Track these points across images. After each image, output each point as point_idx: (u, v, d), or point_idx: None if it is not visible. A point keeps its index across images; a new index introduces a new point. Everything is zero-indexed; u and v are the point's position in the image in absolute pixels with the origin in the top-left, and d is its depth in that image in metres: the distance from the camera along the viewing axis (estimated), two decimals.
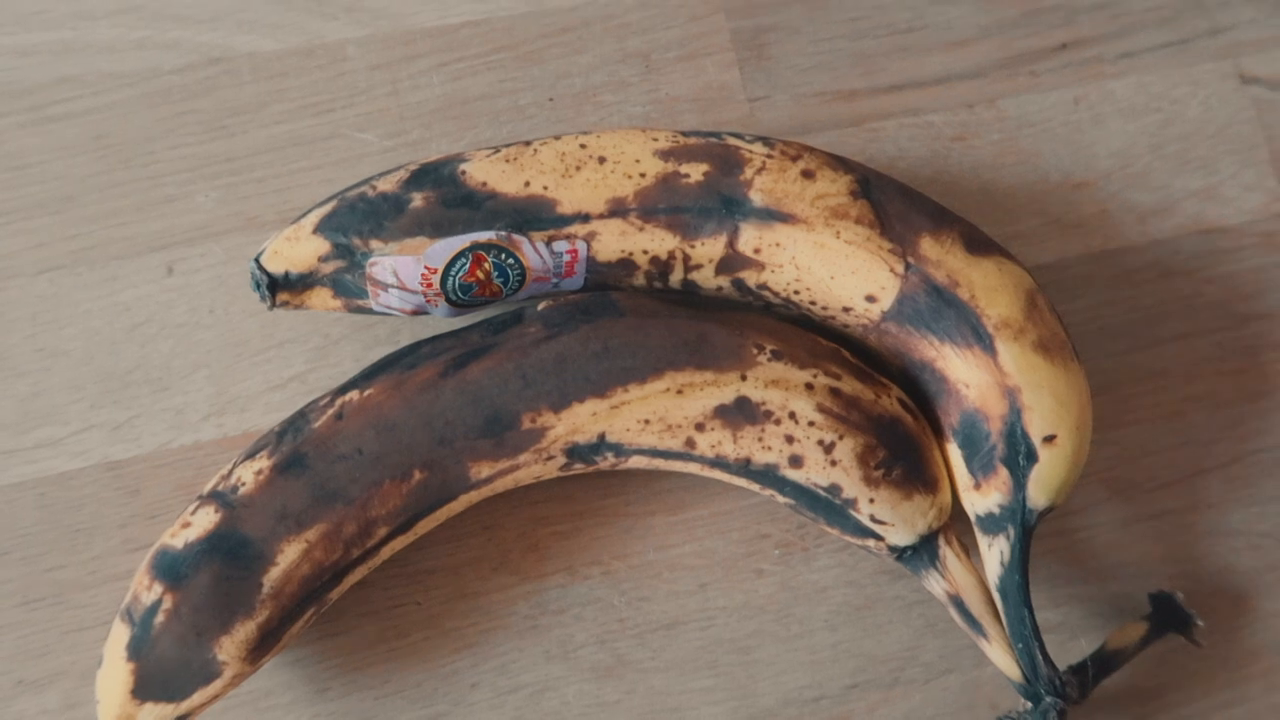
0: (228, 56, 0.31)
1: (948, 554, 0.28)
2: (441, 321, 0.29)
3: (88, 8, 0.31)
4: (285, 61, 0.31)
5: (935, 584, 0.28)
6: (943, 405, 0.28)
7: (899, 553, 0.28)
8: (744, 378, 0.27)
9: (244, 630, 0.24)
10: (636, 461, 0.27)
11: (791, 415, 0.27)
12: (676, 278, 0.28)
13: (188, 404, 0.29)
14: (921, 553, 0.28)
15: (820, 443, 0.27)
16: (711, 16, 0.33)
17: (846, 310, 0.28)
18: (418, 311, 0.27)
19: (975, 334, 0.27)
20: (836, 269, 0.27)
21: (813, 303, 0.28)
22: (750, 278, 0.28)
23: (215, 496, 0.25)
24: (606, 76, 0.32)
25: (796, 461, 0.27)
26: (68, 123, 0.30)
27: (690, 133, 0.28)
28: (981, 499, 0.28)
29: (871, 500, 0.27)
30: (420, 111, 0.31)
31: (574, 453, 0.26)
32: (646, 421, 0.26)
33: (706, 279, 0.28)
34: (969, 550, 0.28)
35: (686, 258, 0.28)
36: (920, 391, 0.29)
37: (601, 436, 0.26)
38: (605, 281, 0.28)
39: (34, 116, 0.30)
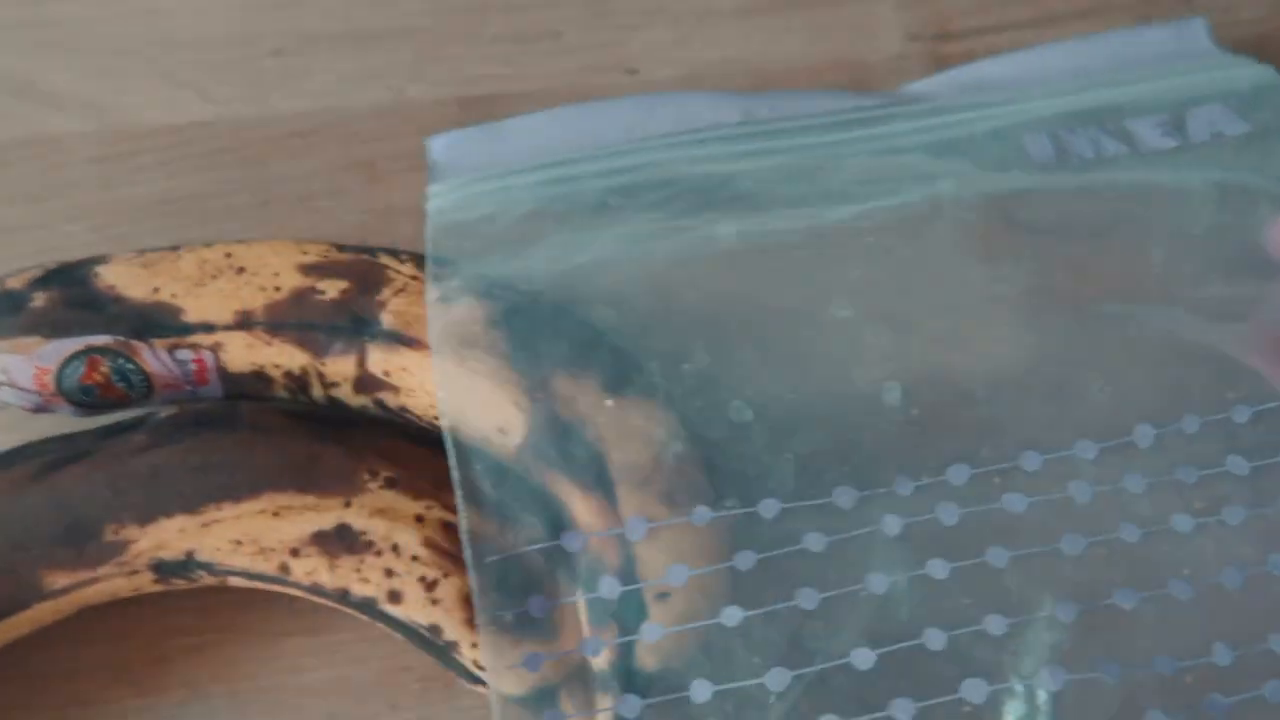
0: None
1: (568, 710, 0.26)
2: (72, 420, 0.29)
3: None
4: (5, 152, 0.32)
5: None
6: (571, 549, 0.27)
7: (519, 703, 0.26)
8: (348, 504, 0.26)
9: None
10: (237, 581, 0.26)
11: (394, 548, 0.26)
12: (318, 394, 0.28)
13: None
14: (542, 706, 0.26)
15: (422, 579, 0.25)
16: (443, 130, 0.33)
17: (486, 440, 0.27)
18: (40, 409, 0.27)
19: (597, 478, 0.26)
20: (465, 399, 0.27)
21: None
22: (390, 399, 0.27)
23: None
24: (327, 183, 0.32)
25: (396, 597, 0.25)
26: None
27: (347, 248, 0.28)
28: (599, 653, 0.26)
29: (474, 644, 0.26)
30: (131, 207, 0.32)
31: (161, 568, 0.25)
32: (239, 542, 0.25)
33: (349, 397, 0.28)
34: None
35: (321, 375, 0.27)
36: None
37: (190, 554, 0.25)
38: (248, 392, 0.28)
39: None
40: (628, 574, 0.25)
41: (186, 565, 0.26)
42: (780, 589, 0.26)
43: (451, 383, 0.26)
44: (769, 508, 0.26)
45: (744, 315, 0.28)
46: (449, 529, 0.26)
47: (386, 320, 0.26)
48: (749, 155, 0.30)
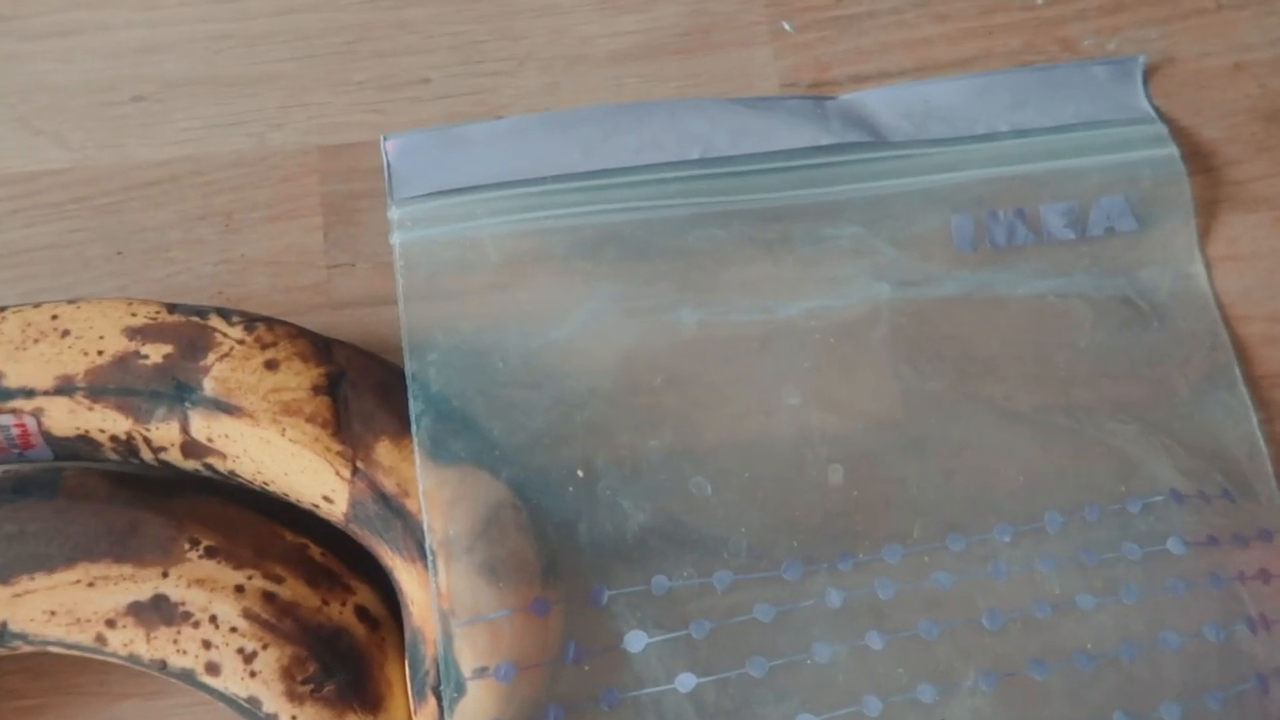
0: None
1: None
2: None
3: None
4: None
5: None
6: (404, 619, 0.26)
7: None
8: (165, 575, 0.25)
9: None
10: (57, 650, 0.26)
11: (213, 619, 0.25)
12: (148, 457, 0.27)
13: None
14: None
15: (240, 651, 0.25)
16: (304, 179, 0.33)
17: (316, 507, 0.27)
18: None
19: (420, 548, 0.26)
20: (288, 467, 0.26)
21: (286, 494, 0.27)
22: (219, 464, 0.27)
23: None
24: (183, 233, 0.32)
25: (214, 669, 0.25)
26: None
27: (179, 307, 0.28)
28: None
29: (294, 717, 0.25)
30: None
31: None
32: (53, 613, 0.25)
33: (179, 461, 0.27)
34: None
35: (148, 440, 0.27)
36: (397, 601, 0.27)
37: (3, 625, 0.25)
38: (79, 454, 0.28)
39: None
40: (445, 650, 0.25)
41: (1, 636, 0.25)
42: (732, 657, 0.28)
43: (272, 450, 0.26)
44: (723, 579, 0.28)
45: (704, 398, 0.30)
46: (270, 599, 0.26)
47: (209, 387, 0.26)
48: (706, 219, 0.32)
